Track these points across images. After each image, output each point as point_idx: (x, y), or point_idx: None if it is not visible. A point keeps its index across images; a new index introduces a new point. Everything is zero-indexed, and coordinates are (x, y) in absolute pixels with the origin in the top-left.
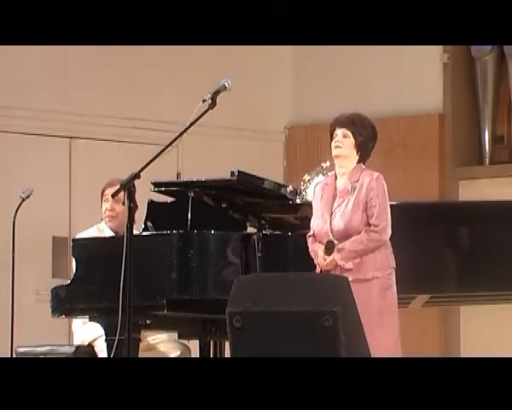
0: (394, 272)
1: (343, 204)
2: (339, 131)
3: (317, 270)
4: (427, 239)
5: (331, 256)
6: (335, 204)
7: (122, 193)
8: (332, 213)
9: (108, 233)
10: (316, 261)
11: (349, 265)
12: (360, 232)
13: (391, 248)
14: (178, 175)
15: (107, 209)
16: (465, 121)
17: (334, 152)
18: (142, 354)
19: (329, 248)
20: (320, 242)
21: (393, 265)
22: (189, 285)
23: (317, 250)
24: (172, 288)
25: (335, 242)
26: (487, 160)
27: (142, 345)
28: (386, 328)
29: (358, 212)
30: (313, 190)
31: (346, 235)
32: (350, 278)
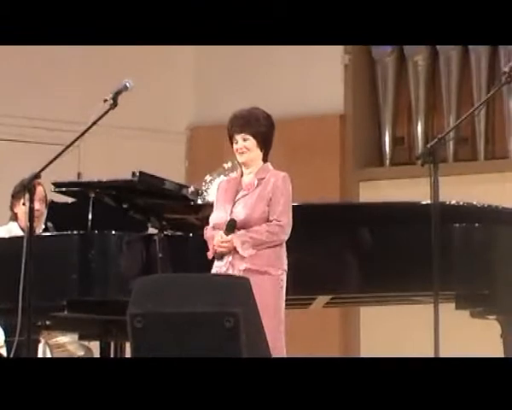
0: (285, 275)
1: (247, 196)
2: (238, 137)
3: (210, 253)
4: (328, 240)
5: (230, 236)
6: (239, 196)
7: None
8: (234, 204)
9: (19, 234)
10: (211, 246)
11: (244, 252)
12: (260, 225)
13: (285, 251)
14: (79, 175)
15: (36, 210)
16: (366, 122)
17: (240, 159)
18: (56, 353)
19: (231, 225)
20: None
21: (285, 267)
22: (89, 286)
23: (213, 234)
24: (73, 289)
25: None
26: (387, 161)
27: (53, 344)
28: (279, 323)
29: (261, 205)
30: (218, 185)
31: (245, 226)
32: (243, 267)
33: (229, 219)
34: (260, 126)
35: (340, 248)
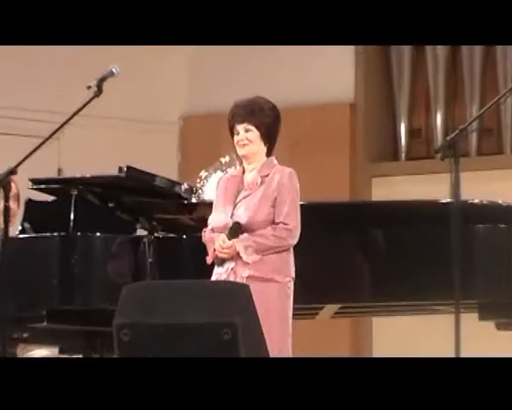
0: (293, 283)
1: (249, 197)
2: (239, 128)
3: (210, 258)
4: (337, 243)
5: (232, 241)
6: (240, 196)
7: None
8: (235, 205)
9: None
10: (210, 250)
11: (247, 258)
12: (265, 228)
13: (292, 256)
14: (60, 171)
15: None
16: (379, 112)
17: (241, 152)
18: None
19: (235, 229)
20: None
21: (293, 274)
22: (71, 294)
23: (213, 237)
24: (53, 297)
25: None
26: (403, 155)
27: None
28: (284, 334)
29: (266, 206)
30: (217, 183)
31: (248, 230)
32: (246, 274)
33: (230, 222)
34: (265, 117)
35: (350, 252)
